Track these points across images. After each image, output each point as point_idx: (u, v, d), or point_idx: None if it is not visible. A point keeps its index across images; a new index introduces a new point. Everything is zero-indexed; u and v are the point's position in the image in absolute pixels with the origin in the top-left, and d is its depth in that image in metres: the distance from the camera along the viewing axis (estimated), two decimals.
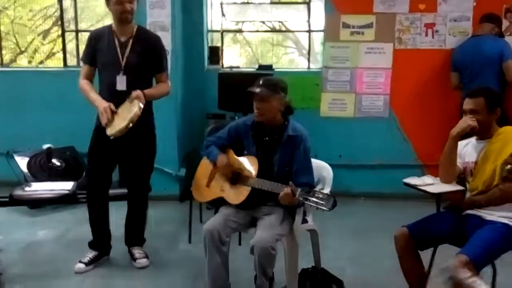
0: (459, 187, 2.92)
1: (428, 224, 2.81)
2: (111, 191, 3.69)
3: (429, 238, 2.77)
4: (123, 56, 3.43)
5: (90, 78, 3.57)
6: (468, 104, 2.75)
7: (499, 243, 2.56)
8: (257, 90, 2.93)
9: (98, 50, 3.49)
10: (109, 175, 3.64)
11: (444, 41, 5.07)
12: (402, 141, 5.22)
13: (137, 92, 3.33)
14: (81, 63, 3.63)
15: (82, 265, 3.56)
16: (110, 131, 3.29)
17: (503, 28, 4.87)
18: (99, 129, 3.44)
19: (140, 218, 3.78)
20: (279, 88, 2.99)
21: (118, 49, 3.44)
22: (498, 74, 4.51)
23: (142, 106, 3.29)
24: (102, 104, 3.33)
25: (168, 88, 3.66)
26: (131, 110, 3.28)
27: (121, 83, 3.42)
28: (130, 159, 3.60)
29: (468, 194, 2.86)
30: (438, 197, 3.19)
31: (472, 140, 2.86)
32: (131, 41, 3.45)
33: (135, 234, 3.77)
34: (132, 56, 3.44)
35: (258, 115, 2.99)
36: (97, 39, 3.50)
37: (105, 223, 3.71)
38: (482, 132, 2.77)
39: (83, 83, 3.53)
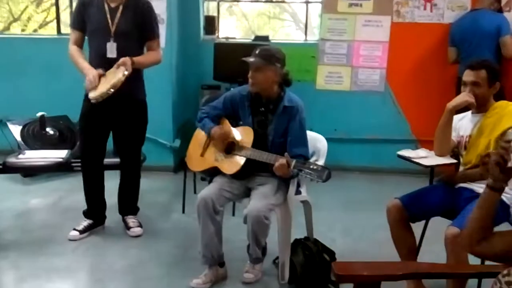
0: (452, 160, 2.93)
1: (421, 196, 2.82)
2: (105, 160, 3.68)
3: (421, 211, 2.79)
4: (113, 23, 3.37)
5: (79, 44, 3.51)
6: (469, 76, 2.71)
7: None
8: (252, 59, 2.91)
9: (87, 16, 3.42)
10: (102, 144, 3.61)
11: (442, 15, 5.03)
12: (397, 115, 5.23)
13: (124, 59, 3.28)
14: (70, 29, 3.57)
15: (76, 233, 3.57)
16: (92, 94, 3.26)
17: (503, 3, 4.83)
18: (88, 98, 3.41)
19: (133, 187, 3.78)
20: (275, 59, 2.96)
21: (108, 15, 3.37)
22: (495, 49, 4.49)
23: (126, 73, 3.23)
24: (91, 72, 3.30)
25: (159, 56, 3.58)
26: (115, 76, 3.25)
27: (111, 50, 3.37)
28: (121, 128, 3.59)
29: (461, 168, 2.87)
30: (431, 170, 3.21)
31: (468, 114, 2.85)
32: (121, 7, 3.38)
33: (128, 203, 3.78)
34: (122, 22, 3.38)
35: (251, 84, 2.97)
36: (86, 4, 3.43)
37: (100, 193, 3.71)
38: (479, 106, 2.74)
39: (73, 49, 3.47)
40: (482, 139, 2.70)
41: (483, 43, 4.48)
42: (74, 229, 3.59)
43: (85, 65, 3.38)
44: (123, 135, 3.62)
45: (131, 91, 3.42)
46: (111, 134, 3.66)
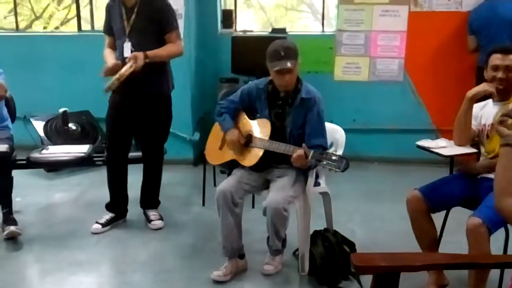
0: (472, 150, 2.90)
1: (441, 186, 2.79)
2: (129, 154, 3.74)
3: (442, 201, 2.76)
4: (128, 23, 3.45)
5: (112, 47, 3.62)
6: (503, 60, 2.65)
7: None
8: (288, 64, 2.86)
9: (111, 20, 3.56)
10: (128, 137, 3.69)
11: (460, 3, 4.96)
12: (416, 105, 5.18)
13: (135, 53, 3.34)
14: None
15: (98, 226, 3.64)
16: (105, 86, 3.37)
17: None
18: (117, 92, 3.48)
19: (155, 181, 3.83)
20: (298, 54, 2.95)
21: (124, 16, 3.46)
22: None
23: (133, 67, 3.28)
24: (110, 61, 3.44)
25: (178, 47, 3.56)
26: (124, 68, 3.34)
27: (127, 49, 3.45)
28: (144, 122, 3.64)
29: (483, 157, 2.83)
30: (451, 160, 3.18)
31: (489, 102, 2.81)
32: (136, 7, 3.45)
33: (150, 197, 3.84)
34: (137, 21, 3.44)
35: (286, 85, 2.95)
36: (110, 9, 3.58)
37: (123, 186, 3.77)
38: (505, 92, 2.70)
39: (106, 51, 3.61)
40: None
41: (502, 30, 4.40)
42: (97, 222, 3.66)
43: (108, 59, 3.50)
44: (147, 129, 3.67)
45: (154, 85, 3.50)
46: None
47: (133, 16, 3.44)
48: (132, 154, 3.79)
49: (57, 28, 8.34)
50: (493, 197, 2.51)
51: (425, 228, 2.77)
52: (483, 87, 2.71)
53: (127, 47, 3.45)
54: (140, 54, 3.33)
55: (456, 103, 4.93)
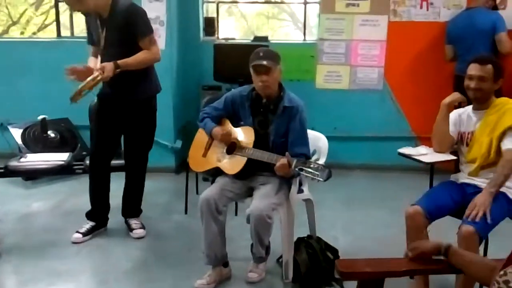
0: (452, 157, 2.95)
1: (437, 198, 2.77)
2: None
3: (439, 213, 2.73)
4: (102, 34, 3.43)
5: (96, 56, 3.59)
6: (476, 70, 2.71)
7: (500, 214, 2.60)
8: (264, 62, 2.91)
9: (91, 30, 3.54)
10: (113, 146, 3.66)
11: (438, 13, 5.05)
12: (396, 113, 5.25)
13: (103, 64, 3.29)
14: None
15: (79, 235, 3.59)
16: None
17: (498, 1, 4.86)
18: (101, 99, 3.46)
19: (137, 190, 3.80)
20: (279, 59, 2.99)
21: (100, 28, 3.44)
22: (491, 46, 4.51)
23: (99, 77, 3.22)
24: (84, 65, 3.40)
25: (152, 53, 3.44)
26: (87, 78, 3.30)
27: (102, 61, 3.42)
28: (129, 130, 3.62)
29: (464, 165, 2.87)
30: (431, 167, 3.23)
31: (468, 109, 2.87)
32: (109, 17, 3.41)
33: (132, 205, 3.81)
34: (110, 33, 3.42)
35: (264, 87, 2.97)
36: (89, 20, 3.53)
37: (106, 195, 3.74)
38: (482, 101, 2.77)
39: (89, 59, 3.59)
40: (484, 138, 2.72)
41: (479, 40, 4.50)
42: (77, 232, 3.61)
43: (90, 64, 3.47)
44: (130, 136, 3.66)
45: (139, 91, 3.48)
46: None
47: (108, 28, 3.41)
48: (114, 162, 3.76)
49: (34, 33, 8.24)
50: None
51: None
52: (456, 95, 2.78)
53: (104, 58, 3.43)
54: (108, 65, 3.26)
55: (434, 111, 4.99)
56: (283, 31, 10.91)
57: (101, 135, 3.60)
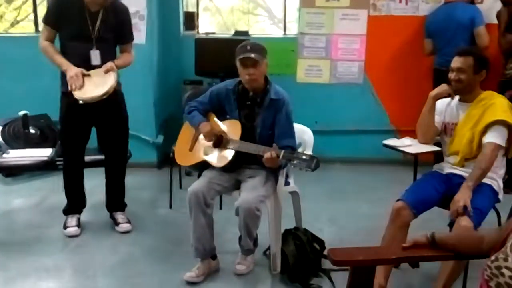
0: (436, 148, 3.01)
1: (421, 191, 2.81)
2: (89, 158, 3.71)
3: (425, 205, 2.76)
4: (94, 29, 3.35)
5: (52, 41, 3.43)
6: (456, 62, 2.79)
7: (488, 204, 2.68)
8: (252, 55, 2.92)
9: (66, 18, 3.34)
10: (84, 141, 3.61)
11: (417, 7, 5.13)
12: (376, 106, 5.32)
13: (112, 64, 3.33)
14: (43, 24, 3.46)
15: (74, 228, 3.60)
16: (80, 95, 3.25)
17: None
18: (69, 95, 3.38)
19: (120, 183, 3.78)
20: (265, 52, 3.01)
21: (89, 21, 3.34)
22: (470, 40, 4.60)
23: (117, 77, 3.30)
24: (73, 70, 3.26)
25: (132, 58, 3.61)
26: (106, 81, 3.29)
27: (95, 58, 3.38)
28: (102, 124, 3.58)
29: (447, 157, 2.93)
30: (415, 158, 3.29)
31: (455, 99, 2.93)
32: (101, 12, 3.36)
33: (117, 199, 3.79)
34: (104, 29, 3.37)
35: (251, 80, 2.98)
36: (65, 4, 3.34)
37: (82, 189, 3.72)
38: (465, 92, 2.83)
39: (46, 44, 3.40)
40: (466, 131, 2.78)
41: (457, 34, 4.58)
42: (69, 227, 3.60)
43: (63, 61, 3.34)
44: (105, 130, 3.62)
45: None
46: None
47: (99, 22, 3.35)
48: (94, 157, 3.73)
49: (6, 30, 8.08)
50: (476, 198, 2.60)
51: (400, 239, 2.64)
52: (443, 87, 2.84)
53: (96, 55, 3.37)
54: (114, 65, 3.35)
55: (414, 104, 5.07)
56: (258, 26, 10.90)
57: (73, 131, 3.53)
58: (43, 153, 3.78)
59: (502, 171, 2.82)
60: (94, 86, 3.28)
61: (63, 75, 3.37)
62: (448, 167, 2.92)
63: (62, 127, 3.61)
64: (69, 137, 3.57)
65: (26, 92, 5.16)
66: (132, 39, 3.61)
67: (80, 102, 3.25)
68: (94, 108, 3.40)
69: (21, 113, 4.65)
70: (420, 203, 2.72)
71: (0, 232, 3.66)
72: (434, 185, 2.83)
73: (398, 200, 2.76)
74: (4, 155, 3.84)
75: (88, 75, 3.31)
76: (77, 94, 3.25)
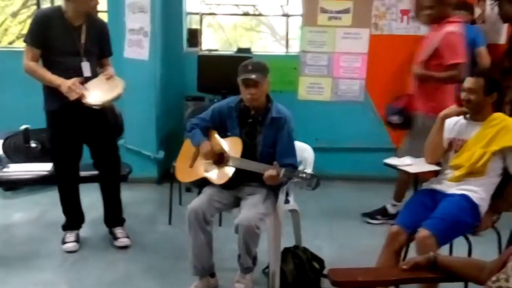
0: (436, 168, 3.01)
1: (414, 211, 2.81)
2: (85, 173, 3.73)
3: (419, 224, 2.72)
4: (80, 42, 3.38)
5: (37, 60, 3.41)
6: (467, 82, 2.82)
7: (459, 215, 2.66)
8: (253, 76, 2.93)
9: (49, 34, 3.33)
10: (76, 159, 3.62)
11: (418, 27, 5.13)
12: (377, 124, 5.31)
13: (111, 70, 3.44)
14: (26, 46, 3.40)
15: (73, 243, 3.60)
16: (93, 100, 3.28)
17: (476, 15, 5.00)
18: (58, 112, 3.42)
19: (117, 197, 3.78)
20: (267, 71, 3.03)
21: (75, 35, 3.37)
22: (471, 60, 4.62)
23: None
24: (68, 81, 3.26)
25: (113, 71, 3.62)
26: (115, 84, 3.38)
27: (86, 69, 3.40)
28: (90, 138, 3.60)
29: (447, 168, 2.93)
30: (416, 177, 3.29)
31: (462, 118, 2.94)
32: (84, 27, 3.40)
33: (114, 214, 3.78)
34: (89, 41, 3.42)
35: (252, 100, 3.00)
36: (48, 22, 3.34)
37: (78, 204, 3.73)
38: (475, 113, 2.85)
39: (32, 64, 3.36)
40: (478, 149, 2.78)
41: None
42: (68, 242, 3.59)
43: (54, 77, 3.32)
44: (95, 146, 3.63)
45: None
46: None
47: (84, 36, 3.39)
48: (90, 173, 3.73)
49: (11, 43, 8.15)
50: (440, 208, 2.63)
51: (392, 263, 2.69)
52: (454, 109, 2.87)
53: (87, 67, 3.40)
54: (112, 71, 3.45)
55: None
56: (261, 43, 10.98)
57: (63, 148, 3.55)
58: (44, 167, 3.77)
59: (492, 187, 2.81)
60: (105, 91, 3.34)
61: (47, 93, 3.42)
62: (436, 182, 2.94)
63: (52, 147, 3.63)
64: (61, 155, 3.59)
65: (28, 106, 5.16)
66: (112, 52, 3.69)
67: (95, 107, 3.29)
68: (81, 124, 3.45)
69: (23, 127, 4.66)
70: (413, 223, 2.72)
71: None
72: (424, 203, 2.84)
73: (392, 224, 2.78)
74: (5, 169, 3.84)
75: (84, 83, 3.33)
76: (90, 101, 3.28)
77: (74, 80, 3.27)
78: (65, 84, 3.26)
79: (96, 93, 3.32)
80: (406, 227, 2.71)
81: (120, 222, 3.80)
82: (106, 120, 3.62)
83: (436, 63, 3.81)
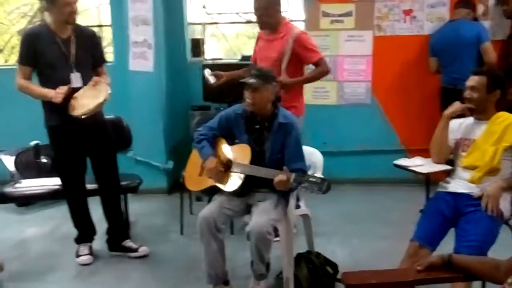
0: (447, 167, 2.99)
1: (432, 223, 2.77)
2: (91, 186, 3.74)
3: (439, 237, 2.74)
4: (69, 54, 3.41)
5: (28, 78, 3.45)
6: (470, 80, 2.83)
7: (490, 233, 2.61)
8: (251, 80, 2.97)
9: (38, 50, 3.37)
10: (81, 172, 3.65)
11: (422, 27, 5.16)
12: (385, 126, 5.32)
13: (97, 78, 3.43)
14: (18, 65, 3.45)
15: (87, 256, 3.63)
16: (79, 112, 3.29)
17: (479, 12, 5.00)
18: (59, 128, 3.45)
19: (118, 210, 3.80)
20: (271, 78, 3.04)
21: (63, 48, 3.40)
22: (476, 56, 4.61)
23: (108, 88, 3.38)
24: (58, 90, 3.28)
25: (109, 79, 3.64)
26: (101, 89, 3.36)
27: (76, 80, 3.40)
28: (92, 152, 3.62)
29: (460, 170, 2.89)
30: (427, 178, 3.28)
31: (470, 118, 2.93)
32: (72, 37, 3.43)
33: (124, 226, 3.82)
34: (79, 52, 3.44)
35: (248, 104, 3.02)
36: (35, 39, 3.38)
37: (89, 217, 3.76)
38: (478, 111, 2.85)
39: (23, 81, 3.41)
40: (489, 146, 2.76)
41: (464, 51, 4.59)
42: (81, 255, 3.62)
43: (45, 90, 3.36)
44: (95, 157, 3.64)
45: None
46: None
47: (74, 47, 3.42)
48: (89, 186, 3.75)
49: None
50: (474, 232, 2.56)
51: None
52: (456, 105, 2.86)
53: (77, 77, 3.41)
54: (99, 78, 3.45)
55: (422, 123, 5.09)
56: None
57: (67, 162, 3.58)
58: (55, 181, 3.80)
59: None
60: (91, 98, 3.34)
61: (47, 109, 3.44)
62: (455, 184, 2.88)
63: (56, 161, 3.68)
64: (65, 169, 3.62)
65: (38, 122, 5.20)
66: (106, 60, 3.71)
67: (83, 117, 3.29)
68: (82, 138, 3.48)
69: (33, 143, 4.71)
70: (434, 237, 2.70)
71: (14, 261, 3.65)
72: (442, 212, 2.79)
73: (411, 240, 2.73)
74: (17, 185, 3.88)
75: (74, 97, 3.34)
76: (76, 112, 3.29)
77: (60, 87, 3.29)
78: (52, 94, 3.29)
79: (83, 103, 3.33)
80: (427, 244, 2.67)
81: (127, 234, 3.83)
82: (106, 133, 3.65)
83: (295, 68, 3.73)
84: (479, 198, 2.68)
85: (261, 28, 3.85)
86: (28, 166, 4.71)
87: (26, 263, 3.67)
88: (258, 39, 3.95)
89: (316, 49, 3.77)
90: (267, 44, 3.80)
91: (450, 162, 3.01)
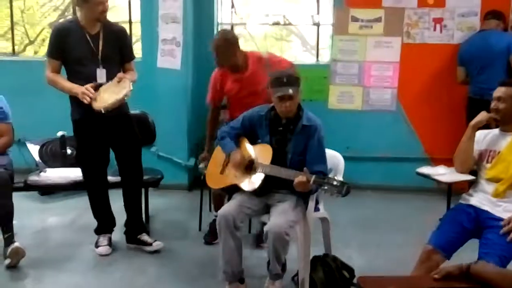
0: (470, 177, 2.96)
1: (450, 231, 2.74)
2: (113, 179, 3.81)
3: (455, 246, 2.71)
4: (97, 49, 3.46)
5: (57, 72, 3.53)
6: (497, 91, 2.79)
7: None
8: (290, 91, 2.95)
9: (67, 45, 3.45)
10: (104, 164, 3.71)
11: (452, 35, 5.11)
12: (409, 134, 5.27)
13: (122, 74, 3.46)
14: (47, 58, 3.55)
15: (106, 247, 3.68)
16: (99, 105, 3.32)
17: (510, 23, 4.92)
18: (83, 121, 3.51)
19: (139, 204, 3.84)
20: (300, 82, 3.05)
21: (91, 43, 3.45)
22: (505, 67, 4.55)
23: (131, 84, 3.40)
24: (81, 88, 3.34)
25: (136, 75, 3.68)
26: (124, 86, 3.39)
27: (101, 76, 3.46)
28: (115, 144, 3.67)
29: (483, 182, 2.85)
30: (449, 187, 3.24)
31: (495, 129, 2.90)
32: (101, 34, 3.48)
33: (137, 220, 3.84)
34: (107, 48, 3.49)
35: (287, 112, 3.02)
36: (64, 34, 3.45)
37: (109, 208, 3.81)
38: (504, 122, 2.81)
39: (52, 75, 3.49)
40: None
41: (493, 61, 4.53)
42: (100, 246, 3.68)
43: (72, 85, 3.42)
44: (118, 150, 3.70)
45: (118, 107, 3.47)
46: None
47: (101, 43, 3.47)
48: (118, 178, 3.80)
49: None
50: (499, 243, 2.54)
51: None
52: (483, 114, 2.82)
53: (102, 73, 3.47)
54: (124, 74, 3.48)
55: (448, 132, 5.03)
56: (291, 52, 11.00)
57: (91, 154, 3.64)
58: (78, 172, 3.87)
59: None
60: (112, 93, 3.38)
61: (73, 103, 3.50)
62: (478, 198, 2.82)
63: (79, 153, 3.76)
64: (87, 161, 3.69)
65: (65, 113, 5.30)
66: (133, 57, 3.75)
67: (103, 111, 3.31)
68: (106, 131, 3.54)
69: (59, 133, 4.79)
70: (447, 244, 2.67)
71: (35, 248, 3.72)
72: (461, 223, 2.75)
73: (427, 244, 2.70)
74: (42, 174, 3.96)
75: (97, 91, 3.38)
76: (97, 105, 3.33)
77: (87, 85, 3.35)
78: (79, 90, 3.35)
79: (104, 97, 3.38)
80: (442, 250, 2.64)
81: (144, 228, 3.86)
82: (130, 126, 3.69)
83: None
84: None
85: (232, 71, 3.84)
86: (54, 156, 4.80)
87: (46, 251, 3.74)
88: (221, 80, 3.97)
89: (285, 59, 3.97)
90: (244, 82, 3.79)
91: (473, 173, 2.97)
